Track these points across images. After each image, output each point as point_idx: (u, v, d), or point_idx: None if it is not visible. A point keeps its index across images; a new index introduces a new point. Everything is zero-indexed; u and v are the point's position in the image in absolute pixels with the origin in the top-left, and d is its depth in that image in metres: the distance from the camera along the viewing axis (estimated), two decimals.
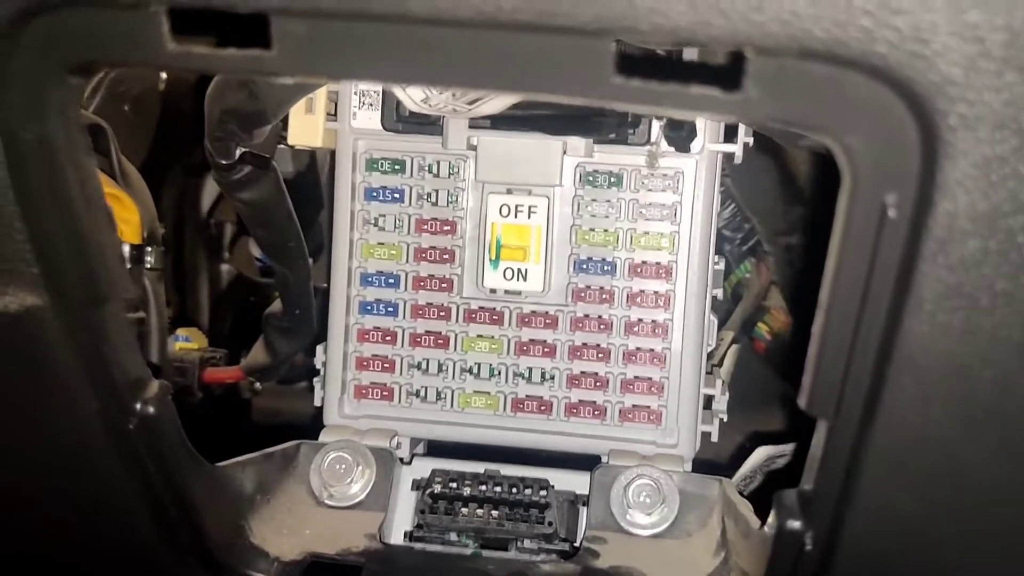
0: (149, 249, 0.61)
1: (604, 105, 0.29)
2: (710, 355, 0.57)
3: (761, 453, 0.54)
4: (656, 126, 0.50)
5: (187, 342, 0.67)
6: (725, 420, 0.56)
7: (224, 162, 0.52)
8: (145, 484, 0.41)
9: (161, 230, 0.63)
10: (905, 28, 0.24)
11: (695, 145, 0.50)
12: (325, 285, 0.62)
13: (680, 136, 0.48)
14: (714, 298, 0.55)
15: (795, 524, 0.35)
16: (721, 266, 0.56)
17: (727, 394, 0.56)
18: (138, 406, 0.39)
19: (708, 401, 0.56)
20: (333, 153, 0.56)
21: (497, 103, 0.44)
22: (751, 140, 0.51)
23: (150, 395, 0.39)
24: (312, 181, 0.67)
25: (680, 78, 0.27)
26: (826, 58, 0.25)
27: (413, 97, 0.44)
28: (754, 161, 0.71)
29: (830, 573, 0.35)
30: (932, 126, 0.25)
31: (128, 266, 0.58)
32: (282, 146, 0.56)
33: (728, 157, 0.52)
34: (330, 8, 0.27)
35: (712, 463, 0.55)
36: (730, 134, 0.52)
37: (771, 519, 0.37)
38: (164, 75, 0.70)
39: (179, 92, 0.70)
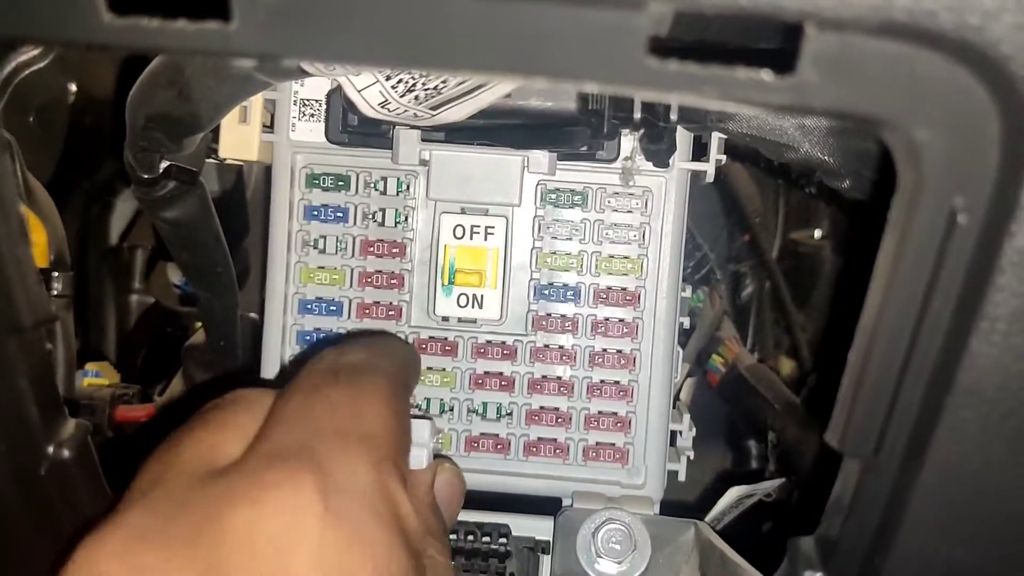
0: (56, 274, 0.55)
1: (634, 94, 0.25)
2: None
3: (733, 493, 0.51)
4: (629, 141, 0.47)
5: (97, 377, 0.60)
6: (692, 458, 0.52)
7: (147, 176, 0.47)
8: (57, 537, 0.35)
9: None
10: None
11: (673, 160, 0.46)
12: (253, 314, 0.57)
13: (660, 150, 0.44)
14: (681, 326, 0.51)
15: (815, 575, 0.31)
16: (688, 293, 0.52)
17: (694, 430, 0.52)
18: (51, 449, 0.33)
19: (672, 438, 0.52)
20: (268, 169, 0.51)
21: (464, 108, 0.40)
22: (724, 158, 0.48)
23: (65, 436, 0.34)
24: (239, 200, 0.62)
25: (723, 59, 0.23)
26: (904, 34, 0.21)
27: (370, 100, 0.39)
28: (702, 186, 0.69)
29: None
30: None
31: None
32: (211, 160, 0.50)
33: (698, 176, 0.49)
34: None
35: (680, 504, 0.52)
36: (700, 151, 0.49)
37: (783, 570, 0.33)
38: (73, 87, 0.64)
39: (88, 104, 0.64)
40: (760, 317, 0.73)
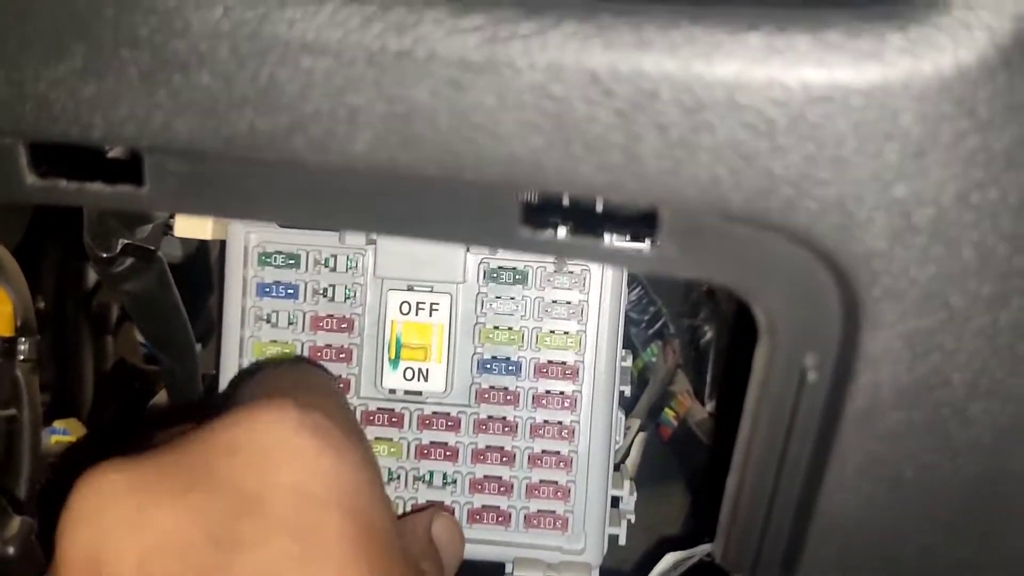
0: (23, 339, 0.57)
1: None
2: (617, 450, 0.56)
3: (668, 560, 0.53)
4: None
5: (64, 435, 0.62)
6: (633, 521, 0.54)
7: (104, 255, 0.49)
8: None
9: (40, 304, 0.59)
10: (829, 199, 0.22)
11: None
12: (215, 372, 0.59)
13: None
14: (622, 393, 0.53)
15: None
16: (628, 362, 0.54)
17: (635, 494, 0.54)
18: None
19: (615, 500, 0.54)
20: (223, 243, 0.53)
21: None
22: None
23: (10, 535, 0.36)
24: (202, 265, 0.64)
25: (591, 231, 0.25)
26: (746, 222, 0.23)
27: None
28: None
29: None
30: (855, 295, 0.23)
31: None
32: (168, 237, 0.52)
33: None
34: (213, 149, 0.25)
35: (619, 571, 0.54)
36: None
37: None
38: None
39: None
40: (718, 366, 0.75)
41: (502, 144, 0.23)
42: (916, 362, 0.24)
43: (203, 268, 0.64)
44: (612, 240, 0.25)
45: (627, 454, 0.64)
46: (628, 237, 0.25)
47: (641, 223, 0.25)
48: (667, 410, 0.69)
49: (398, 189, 0.25)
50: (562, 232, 0.25)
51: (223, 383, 0.52)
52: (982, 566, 0.27)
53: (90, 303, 0.75)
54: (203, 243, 0.63)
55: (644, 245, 0.25)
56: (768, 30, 0.21)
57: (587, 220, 0.25)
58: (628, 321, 0.67)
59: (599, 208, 0.26)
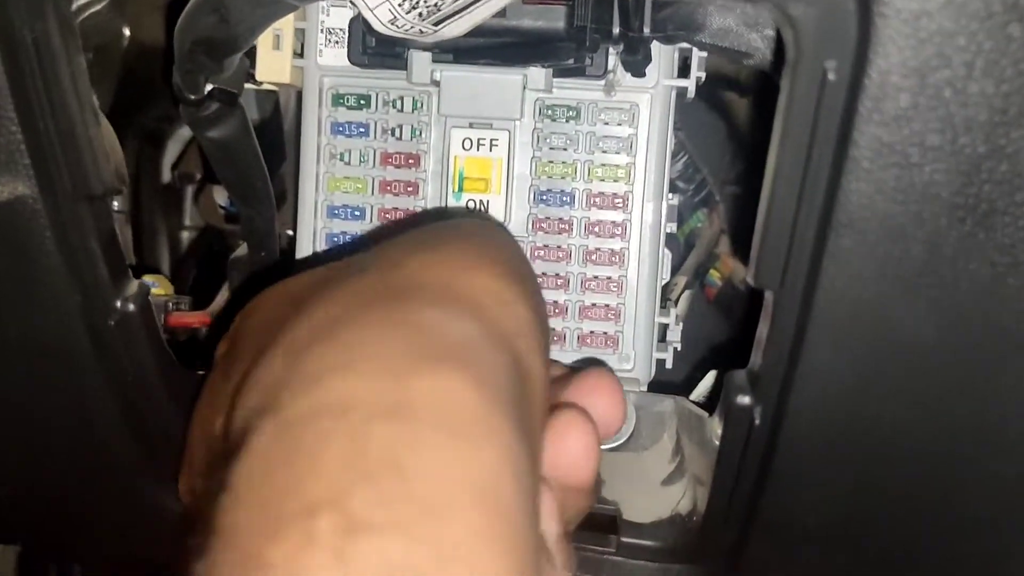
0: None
1: None
2: (665, 292, 0.60)
3: (714, 375, 0.57)
4: (612, 55, 0.53)
5: (153, 287, 0.67)
6: (679, 349, 0.58)
7: (193, 97, 0.53)
8: (122, 386, 0.42)
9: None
10: None
11: (650, 71, 0.52)
12: (290, 232, 0.63)
13: (636, 60, 0.50)
14: (668, 234, 0.57)
15: (744, 400, 0.37)
16: (675, 202, 0.58)
17: (681, 324, 0.58)
18: (119, 303, 0.40)
19: (663, 333, 0.58)
20: (299, 94, 0.57)
21: (462, 24, 0.46)
22: (703, 75, 0.54)
23: (131, 293, 0.41)
24: (276, 130, 0.68)
25: None
26: None
27: (381, 18, 0.45)
28: (704, 115, 0.75)
29: (779, 446, 0.37)
30: None
31: None
32: (249, 85, 0.57)
33: (681, 93, 0.55)
34: None
35: (667, 385, 0.58)
36: (682, 71, 0.54)
37: (721, 400, 0.39)
38: (127, 31, 0.71)
39: (139, 49, 0.71)
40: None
41: None
42: (920, 45, 0.28)
43: (276, 132, 0.68)
44: None
45: (675, 303, 0.68)
46: None
47: None
48: (712, 271, 0.73)
49: None
50: None
51: (301, 218, 0.57)
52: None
53: (169, 189, 0.80)
54: (276, 108, 0.68)
55: None
56: None
57: None
58: (675, 189, 0.71)
59: None
